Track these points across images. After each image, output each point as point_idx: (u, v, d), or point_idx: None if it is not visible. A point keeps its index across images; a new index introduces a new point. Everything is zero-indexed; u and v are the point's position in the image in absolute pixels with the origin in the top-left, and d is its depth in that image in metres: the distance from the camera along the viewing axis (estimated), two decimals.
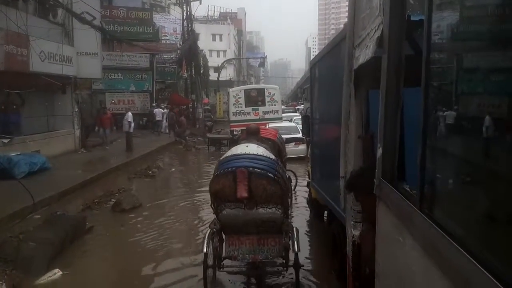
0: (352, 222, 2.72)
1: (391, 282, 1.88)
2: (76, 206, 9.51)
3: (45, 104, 15.49)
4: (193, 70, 33.93)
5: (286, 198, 5.42)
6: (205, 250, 5.09)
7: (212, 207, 5.33)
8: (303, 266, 5.40)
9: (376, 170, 2.12)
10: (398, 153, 1.89)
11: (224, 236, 5.39)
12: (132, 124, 18.69)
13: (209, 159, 18.46)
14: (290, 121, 20.33)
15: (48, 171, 12.57)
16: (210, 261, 5.22)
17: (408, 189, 1.68)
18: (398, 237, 1.74)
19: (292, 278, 5.41)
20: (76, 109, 17.47)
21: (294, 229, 5.33)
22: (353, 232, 2.66)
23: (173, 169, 15.73)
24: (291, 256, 5.23)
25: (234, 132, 19.07)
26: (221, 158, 5.52)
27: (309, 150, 9.19)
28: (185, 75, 34.83)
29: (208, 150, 20.40)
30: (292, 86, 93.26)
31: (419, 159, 1.56)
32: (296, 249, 5.12)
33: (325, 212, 7.42)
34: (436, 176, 1.56)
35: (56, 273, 5.87)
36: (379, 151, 2.14)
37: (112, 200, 9.81)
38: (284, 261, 5.30)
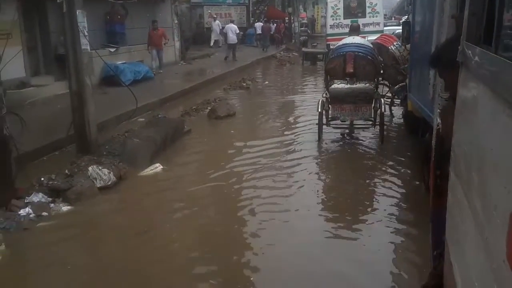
0: (438, 110, 2.51)
1: (464, 146, 1.77)
2: (176, 112, 10.07)
3: (146, 16, 15.97)
4: None
5: (378, 76, 7.37)
6: (319, 110, 7.16)
7: (324, 82, 7.56)
8: (386, 124, 7.45)
9: (461, 36, 1.93)
10: (486, 16, 1.67)
11: (329, 105, 7.27)
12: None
13: (303, 73, 18.19)
14: (392, 33, 18.92)
15: (151, 80, 13.33)
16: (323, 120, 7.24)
17: (492, 49, 1.50)
18: (475, 94, 1.60)
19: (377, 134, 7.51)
20: (176, 21, 17.87)
21: (382, 99, 7.28)
22: (439, 120, 2.46)
23: (267, 82, 15.79)
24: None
25: (331, 47, 18.18)
26: (334, 47, 8.15)
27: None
28: None
29: (303, 65, 20.00)
30: None
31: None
32: (382, 111, 7.06)
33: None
34: None
35: (158, 167, 6.39)
36: (466, 15, 1.92)
37: (208, 108, 10.20)
38: (372, 121, 7.34)
